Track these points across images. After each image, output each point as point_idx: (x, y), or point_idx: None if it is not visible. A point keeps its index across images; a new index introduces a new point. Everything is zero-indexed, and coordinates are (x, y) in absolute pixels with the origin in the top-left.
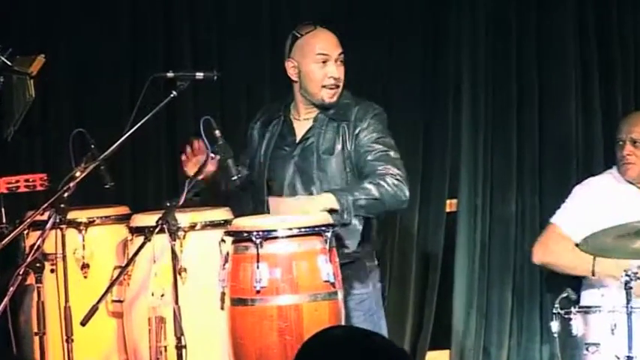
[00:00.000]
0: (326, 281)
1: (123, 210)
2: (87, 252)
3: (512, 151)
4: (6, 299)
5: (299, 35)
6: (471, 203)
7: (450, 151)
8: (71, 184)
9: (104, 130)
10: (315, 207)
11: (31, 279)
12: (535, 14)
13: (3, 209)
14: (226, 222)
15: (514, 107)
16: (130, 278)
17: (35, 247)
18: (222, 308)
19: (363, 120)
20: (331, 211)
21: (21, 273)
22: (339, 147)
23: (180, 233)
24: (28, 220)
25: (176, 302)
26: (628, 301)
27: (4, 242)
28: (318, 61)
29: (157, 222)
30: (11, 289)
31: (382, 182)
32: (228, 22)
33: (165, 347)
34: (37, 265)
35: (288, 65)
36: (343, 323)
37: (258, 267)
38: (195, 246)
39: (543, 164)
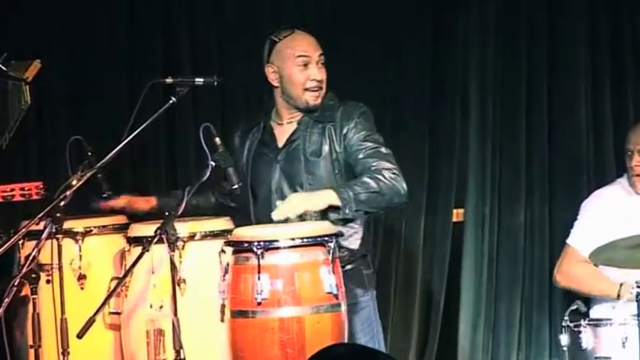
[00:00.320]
0: (329, 293)
1: (120, 219)
2: (84, 262)
3: (521, 159)
4: (0, 311)
5: (277, 40)
6: (479, 213)
7: (456, 158)
8: (68, 193)
9: (101, 137)
10: (315, 200)
11: (26, 290)
12: (545, 18)
13: None
14: (226, 232)
15: (523, 114)
16: (128, 290)
17: (31, 257)
18: (222, 320)
19: (349, 120)
20: (332, 208)
21: (16, 284)
22: (326, 148)
23: (180, 243)
24: (24, 229)
25: (175, 314)
26: (639, 313)
27: None
28: (299, 64)
29: (156, 232)
30: (6, 300)
31: (380, 176)
32: (229, 26)
33: None
34: (33, 276)
35: (269, 70)
36: (346, 335)
37: (259, 278)
38: (195, 256)
39: (553, 173)
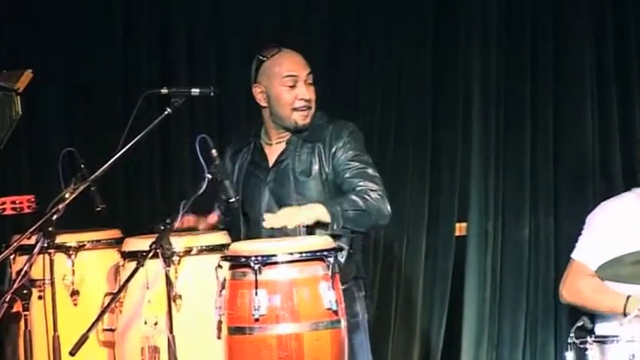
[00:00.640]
0: (328, 309)
1: (114, 234)
2: (77, 278)
3: (525, 170)
4: None
5: (264, 59)
6: (482, 227)
7: (459, 170)
8: (60, 207)
9: (95, 149)
10: (305, 214)
11: (17, 306)
12: (550, 25)
13: None
14: (223, 246)
15: (527, 124)
16: (122, 306)
17: (22, 272)
18: (218, 337)
19: (338, 139)
20: (319, 224)
21: (7, 300)
22: (316, 168)
23: (175, 258)
24: (15, 244)
25: (170, 331)
26: None
27: None
28: (286, 84)
29: (151, 246)
30: None
31: (366, 196)
32: (226, 35)
33: None
34: (24, 291)
35: (256, 91)
36: (346, 353)
37: (256, 294)
38: (191, 272)
39: (558, 185)
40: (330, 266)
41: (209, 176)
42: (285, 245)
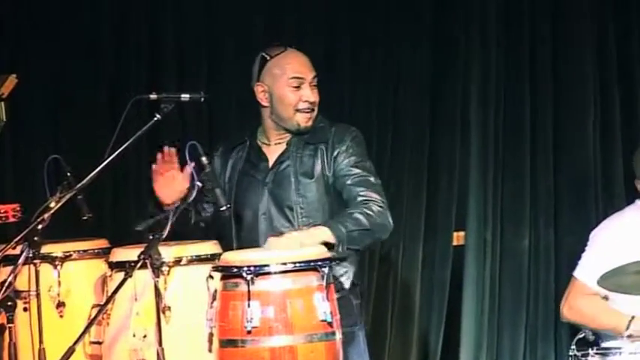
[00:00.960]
0: (323, 321)
1: (102, 243)
2: (63, 289)
3: (525, 178)
4: None
5: (268, 57)
6: (480, 236)
7: (457, 178)
8: (46, 216)
9: (81, 156)
10: (311, 240)
11: (2, 318)
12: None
13: None
14: (214, 256)
15: (527, 130)
16: (110, 318)
17: (7, 283)
18: (210, 350)
19: (341, 142)
20: (326, 245)
21: None
22: (318, 169)
23: (164, 269)
24: None
25: (160, 344)
26: None
27: None
28: (290, 85)
29: (139, 256)
30: None
31: (369, 211)
32: (218, 38)
33: None
34: (9, 303)
35: (258, 89)
36: None
37: (249, 305)
38: (181, 282)
39: (559, 193)
40: (325, 276)
41: (199, 184)
42: (278, 255)
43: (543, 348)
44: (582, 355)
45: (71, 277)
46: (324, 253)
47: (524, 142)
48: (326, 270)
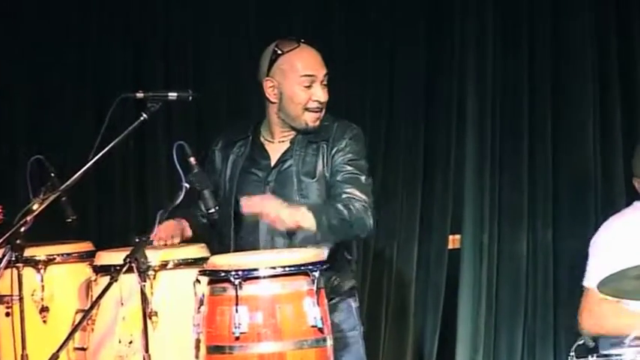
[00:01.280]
0: (313, 326)
1: (86, 246)
2: (46, 294)
3: (523, 179)
4: None
5: (280, 52)
6: (477, 239)
7: (452, 179)
8: (28, 218)
9: (65, 156)
10: (292, 213)
11: None
12: (549, 25)
13: None
14: (201, 260)
15: (525, 130)
16: (95, 323)
17: None
18: (197, 357)
19: (340, 140)
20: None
21: None
22: (320, 169)
23: (151, 273)
24: None
25: (146, 350)
26: None
27: None
28: (302, 83)
29: (125, 260)
30: None
31: (351, 206)
32: (206, 34)
33: None
34: None
35: (267, 85)
36: None
37: (237, 311)
38: (167, 287)
39: (558, 194)
40: (315, 281)
41: (187, 185)
42: (267, 259)
43: (542, 354)
44: None
45: (55, 282)
46: (314, 256)
47: (522, 142)
48: (316, 274)
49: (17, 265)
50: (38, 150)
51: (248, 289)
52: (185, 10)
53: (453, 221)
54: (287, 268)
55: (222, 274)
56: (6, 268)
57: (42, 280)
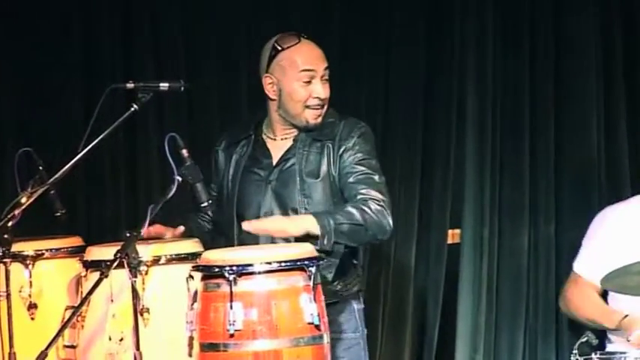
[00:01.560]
0: (310, 323)
1: (75, 241)
2: (34, 290)
3: (525, 172)
4: None
5: (280, 48)
6: (477, 234)
7: (452, 173)
8: (16, 212)
9: (54, 149)
10: (294, 227)
11: None
12: (551, 21)
13: None
14: (194, 255)
15: (526, 123)
16: (84, 320)
17: None
18: (190, 355)
19: (348, 139)
20: (309, 236)
21: None
22: (324, 169)
23: (142, 268)
24: None
25: (137, 348)
26: None
27: None
28: (301, 79)
29: (116, 255)
30: None
31: (365, 207)
32: (198, 23)
33: None
34: None
35: (266, 81)
36: None
37: (231, 307)
38: (159, 283)
39: (560, 188)
40: (312, 276)
41: (179, 179)
42: (262, 254)
43: (544, 352)
44: None
45: (43, 277)
46: (311, 251)
47: (524, 140)
48: (313, 270)
49: (4, 260)
50: (26, 142)
51: (243, 284)
52: (177, 1)
53: (452, 215)
54: (283, 264)
55: (216, 269)
56: None
57: (30, 276)
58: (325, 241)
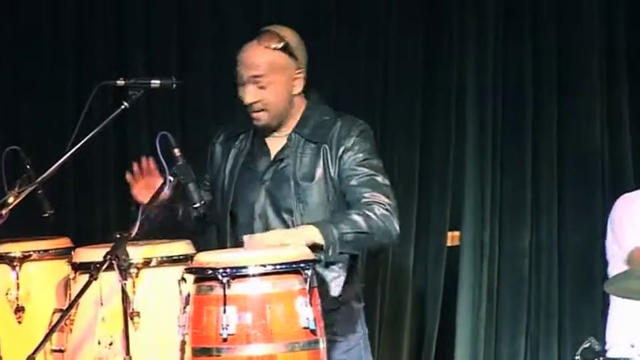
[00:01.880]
0: (305, 328)
1: (64, 242)
2: (22, 292)
3: (526, 173)
4: None
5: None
6: (477, 236)
7: (451, 173)
8: (3, 212)
9: (42, 147)
10: (296, 241)
11: None
12: (554, 17)
13: None
14: (187, 257)
15: (528, 122)
16: (73, 324)
17: None
18: (182, 359)
19: (346, 138)
20: (315, 247)
21: None
22: (320, 172)
23: (133, 270)
24: None
25: (127, 352)
26: None
27: None
28: (238, 84)
29: (105, 257)
30: None
31: (370, 213)
32: (190, 19)
33: None
34: None
35: None
36: None
37: (224, 311)
38: (151, 286)
39: (563, 190)
40: (308, 280)
41: (171, 178)
42: (257, 256)
43: (545, 358)
44: None
45: (31, 280)
46: (307, 254)
47: (525, 135)
48: (309, 272)
49: None
50: (14, 140)
51: (236, 287)
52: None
53: (452, 217)
54: (278, 266)
55: (210, 271)
56: None
57: (17, 278)
58: (330, 253)
